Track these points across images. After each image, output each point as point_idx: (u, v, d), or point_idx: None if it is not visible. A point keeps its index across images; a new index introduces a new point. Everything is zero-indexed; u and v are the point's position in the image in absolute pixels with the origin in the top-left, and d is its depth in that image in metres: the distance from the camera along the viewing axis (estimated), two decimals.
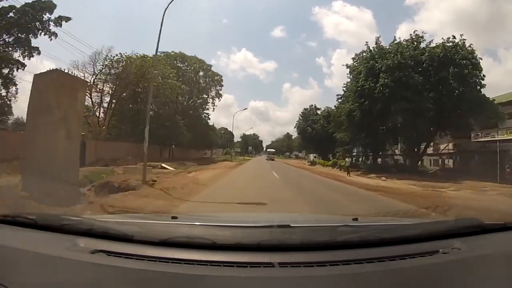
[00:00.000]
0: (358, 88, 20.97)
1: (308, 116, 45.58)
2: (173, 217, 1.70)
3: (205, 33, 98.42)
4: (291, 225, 1.47)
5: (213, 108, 45.86)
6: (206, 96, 44.55)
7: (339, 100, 26.90)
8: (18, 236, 1.29)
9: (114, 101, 28.59)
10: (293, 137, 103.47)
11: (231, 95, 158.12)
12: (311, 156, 62.27)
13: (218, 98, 46.27)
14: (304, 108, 48.65)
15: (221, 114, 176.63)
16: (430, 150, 27.05)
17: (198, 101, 43.77)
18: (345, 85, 26.36)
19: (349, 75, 24.65)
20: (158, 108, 30.73)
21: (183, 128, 32.14)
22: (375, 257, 1.16)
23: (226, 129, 55.42)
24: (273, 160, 51.08)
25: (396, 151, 34.62)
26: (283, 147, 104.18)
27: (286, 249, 1.20)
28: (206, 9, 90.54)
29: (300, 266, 1.09)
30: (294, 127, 48.80)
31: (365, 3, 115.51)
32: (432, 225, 1.87)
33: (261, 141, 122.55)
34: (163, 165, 18.40)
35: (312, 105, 48.97)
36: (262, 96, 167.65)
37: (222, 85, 45.84)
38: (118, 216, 2.28)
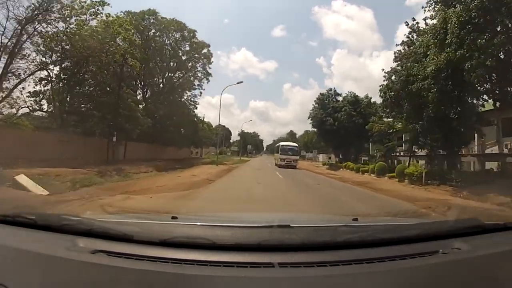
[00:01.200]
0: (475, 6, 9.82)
1: (327, 103, 33.47)
2: (173, 217, 1.67)
3: (205, 32, 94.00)
4: (291, 225, 1.45)
5: (200, 93, 34.41)
6: (191, 76, 32.53)
7: (401, 61, 15.86)
8: (18, 236, 1.28)
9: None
10: (297, 135, 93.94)
11: (232, 94, 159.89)
12: (320, 157, 51.35)
13: (207, 79, 33.56)
14: (320, 93, 35.71)
15: (221, 114, 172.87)
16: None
17: (177, 80, 32.06)
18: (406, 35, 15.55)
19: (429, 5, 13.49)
20: (83, 71, 18.64)
21: (136, 109, 20.51)
22: (375, 257, 1.15)
23: (224, 126, 44.13)
24: (293, 167, 25.92)
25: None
26: None
27: (286, 249, 1.19)
28: (206, 9, 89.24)
29: (300, 266, 1.08)
30: (308, 118, 35.88)
31: (365, 2, 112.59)
32: (432, 225, 1.86)
33: (262, 140, 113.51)
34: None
35: (331, 89, 36.23)
36: (262, 96, 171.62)
37: (211, 62, 33.46)
38: (118, 216, 2.15)
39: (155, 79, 29.54)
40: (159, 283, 0.98)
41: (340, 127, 29.64)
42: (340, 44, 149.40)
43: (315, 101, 35.19)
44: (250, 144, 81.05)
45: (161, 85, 30.76)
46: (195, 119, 36.12)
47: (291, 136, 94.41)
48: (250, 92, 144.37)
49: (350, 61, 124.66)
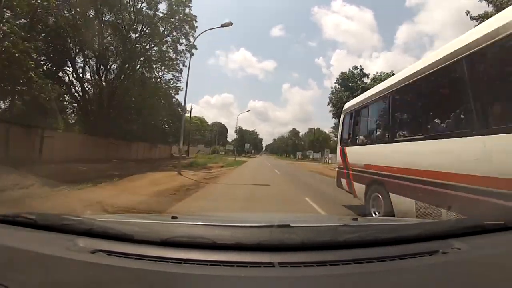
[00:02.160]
0: None
1: (354, 84, 25.12)
2: (173, 217, 1.67)
3: (205, 32, 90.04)
4: (291, 225, 1.44)
5: (181, 70, 25.25)
6: (170, 47, 23.95)
7: None
8: (18, 236, 1.26)
9: None
10: (300, 134, 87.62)
11: (231, 94, 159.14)
12: (328, 158, 45.72)
13: (190, 52, 25.85)
14: (342, 72, 28.11)
15: (221, 114, 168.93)
16: None
17: (145, 51, 23.21)
18: None
19: None
20: None
21: (36, 72, 12.17)
22: (375, 257, 1.14)
23: (221, 123, 36.50)
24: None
25: None
26: (287, 147, 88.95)
27: (286, 249, 1.18)
28: (206, 9, 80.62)
29: (300, 266, 1.08)
30: (328, 104, 28.02)
31: (365, 3, 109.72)
32: (432, 225, 1.85)
33: (261, 140, 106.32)
34: None
35: (356, 67, 28.51)
36: (261, 96, 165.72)
37: (195, 28, 23.65)
38: (118, 216, 2.12)
39: (111, 46, 21.18)
40: (159, 282, 0.98)
41: None
42: (339, 45, 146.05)
43: (335, 81, 27.41)
44: (248, 142, 72.97)
45: (119, 56, 21.60)
46: (179, 109, 28.38)
47: (294, 135, 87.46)
48: (250, 91, 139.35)
49: (350, 61, 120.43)
